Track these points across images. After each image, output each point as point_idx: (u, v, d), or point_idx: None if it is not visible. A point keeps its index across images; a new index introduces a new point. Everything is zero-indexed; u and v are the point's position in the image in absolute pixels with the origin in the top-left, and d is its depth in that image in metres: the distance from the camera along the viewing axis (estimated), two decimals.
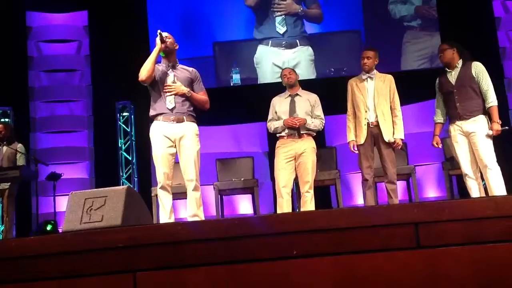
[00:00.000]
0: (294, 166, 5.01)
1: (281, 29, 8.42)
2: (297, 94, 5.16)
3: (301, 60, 8.33)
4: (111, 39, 8.39)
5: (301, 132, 5.01)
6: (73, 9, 8.90)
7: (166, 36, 4.36)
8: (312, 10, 8.53)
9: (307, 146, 5.00)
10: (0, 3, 8.19)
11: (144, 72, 4.28)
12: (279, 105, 5.15)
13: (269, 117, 5.20)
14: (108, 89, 8.30)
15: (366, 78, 5.11)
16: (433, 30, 8.30)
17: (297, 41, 8.42)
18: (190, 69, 4.52)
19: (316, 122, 5.07)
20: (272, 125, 5.14)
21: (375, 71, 5.12)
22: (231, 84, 8.40)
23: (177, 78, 4.37)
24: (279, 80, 8.28)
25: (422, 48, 8.30)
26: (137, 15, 8.59)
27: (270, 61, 8.39)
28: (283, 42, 8.40)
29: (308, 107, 5.09)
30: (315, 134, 5.14)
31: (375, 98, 5.02)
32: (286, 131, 5.03)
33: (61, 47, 8.98)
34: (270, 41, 8.42)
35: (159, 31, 4.32)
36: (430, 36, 8.28)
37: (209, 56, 8.43)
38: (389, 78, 5.13)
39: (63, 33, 8.96)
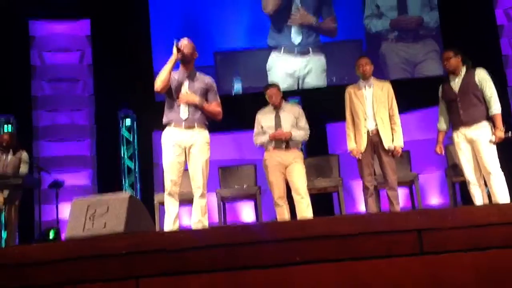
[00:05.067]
0: (285, 175, 5.09)
1: (297, 38, 8.49)
2: (281, 108, 5.23)
3: (312, 68, 8.40)
4: (113, 48, 8.41)
5: (287, 144, 5.09)
6: (76, 18, 8.92)
7: (185, 45, 4.35)
8: (326, 24, 8.58)
9: (294, 156, 5.10)
10: (3, 12, 8.23)
11: (159, 83, 4.29)
12: (264, 119, 5.23)
13: (255, 131, 5.29)
14: (111, 98, 8.32)
15: (364, 86, 5.10)
16: (410, 41, 8.38)
17: (310, 49, 8.46)
18: (207, 79, 4.49)
19: (301, 133, 5.16)
20: (258, 139, 5.23)
21: (372, 78, 5.12)
22: (233, 94, 8.43)
23: (192, 87, 4.36)
24: (290, 88, 8.33)
25: (402, 58, 8.37)
26: (140, 25, 8.61)
27: (282, 68, 8.45)
28: (296, 50, 8.45)
29: (293, 120, 5.17)
30: (301, 145, 5.23)
31: (374, 106, 5.01)
32: (273, 143, 5.11)
33: (64, 56, 9.00)
34: (282, 48, 8.48)
35: (175, 40, 4.32)
36: (406, 46, 8.35)
37: (210, 66, 8.46)
38: (387, 85, 5.12)
39: (65, 42, 8.98)
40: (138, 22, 8.64)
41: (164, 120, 4.39)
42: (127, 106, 8.37)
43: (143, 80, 7.68)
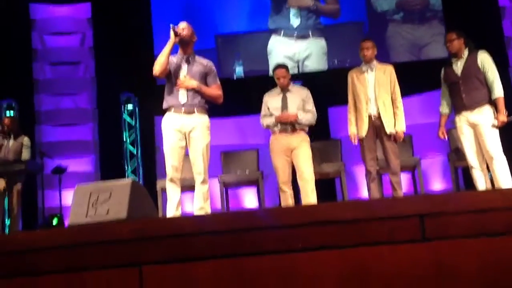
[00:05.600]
0: (291, 160, 5.04)
1: (295, 21, 8.40)
2: (288, 90, 5.18)
3: (312, 52, 8.32)
4: (114, 31, 8.37)
5: (293, 127, 5.04)
6: (77, 1, 8.88)
7: (183, 28, 4.32)
8: (328, 6, 8.50)
9: (301, 139, 5.06)
10: None
11: (157, 67, 4.28)
12: (271, 101, 5.19)
13: (262, 113, 5.25)
14: (112, 81, 8.29)
15: (367, 69, 5.07)
16: (416, 22, 8.30)
17: (310, 32, 8.39)
18: (205, 62, 4.47)
19: (308, 116, 5.10)
20: (265, 121, 5.20)
21: (375, 61, 5.09)
22: (234, 77, 8.40)
23: (190, 71, 4.35)
24: (291, 71, 8.28)
25: (407, 40, 8.31)
26: (140, 7, 8.56)
27: (281, 52, 8.37)
28: (295, 33, 8.38)
29: (300, 102, 5.12)
30: (307, 128, 5.17)
31: (375, 89, 4.99)
32: (279, 126, 5.07)
33: (65, 39, 8.96)
34: (282, 31, 8.41)
35: (171, 25, 4.29)
36: (412, 29, 8.27)
37: (211, 48, 8.41)
38: (390, 69, 5.09)
39: (66, 25, 8.94)
40: (139, 5, 8.59)
41: (164, 105, 4.38)
42: (129, 90, 8.35)
43: (144, 63, 7.62)
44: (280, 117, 5.05)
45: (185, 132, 4.30)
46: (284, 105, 5.11)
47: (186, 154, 4.40)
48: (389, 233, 2.04)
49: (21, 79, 8.44)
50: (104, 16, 8.62)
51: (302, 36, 8.39)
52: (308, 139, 5.14)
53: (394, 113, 4.99)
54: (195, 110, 4.31)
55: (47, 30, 8.90)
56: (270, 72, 8.27)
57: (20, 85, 8.40)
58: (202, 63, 4.43)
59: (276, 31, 8.44)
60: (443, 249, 2.00)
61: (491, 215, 2.02)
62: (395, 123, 4.97)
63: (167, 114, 4.36)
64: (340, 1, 8.52)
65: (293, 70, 8.34)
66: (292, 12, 8.42)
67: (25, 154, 6.31)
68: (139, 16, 8.46)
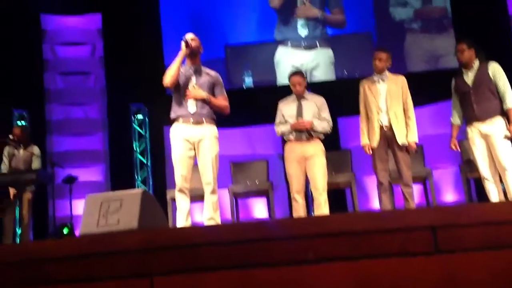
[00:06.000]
0: (305, 169, 5.00)
1: (303, 31, 8.44)
2: (303, 98, 5.13)
3: (320, 62, 8.34)
4: (124, 41, 8.44)
5: (309, 135, 5.00)
6: (87, 12, 8.97)
7: (192, 39, 4.36)
8: (334, 16, 8.54)
9: (316, 148, 5.00)
10: (15, 7, 8.27)
11: (168, 78, 4.30)
12: (286, 109, 5.14)
13: (277, 120, 5.20)
14: (122, 91, 8.35)
15: (378, 80, 5.05)
16: (434, 32, 8.30)
17: (317, 42, 8.42)
18: (213, 73, 4.51)
19: (323, 124, 5.05)
20: (280, 129, 5.15)
21: (387, 72, 5.06)
22: (243, 87, 8.41)
23: (198, 82, 4.38)
24: None
25: (424, 50, 8.28)
26: (150, 18, 8.63)
27: (289, 62, 8.40)
28: (303, 44, 8.40)
29: (315, 110, 5.07)
30: (323, 137, 5.12)
31: (387, 100, 4.96)
32: (294, 134, 5.03)
33: (76, 49, 9.05)
34: (289, 42, 8.43)
35: (184, 37, 4.33)
36: (430, 38, 8.26)
37: (220, 59, 8.46)
38: (402, 80, 5.07)
39: (77, 36, 9.03)
40: (149, 16, 8.66)
41: (172, 115, 4.40)
42: (139, 100, 8.39)
43: (154, 73, 7.67)
44: (295, 124, 4.99)
45: (194, 142, 4.31)
46: (299, 113, 5.05)
47: (195, 164, 4.41)
48: (401, 245, 2.02)
49: (32, 89, 8.51)
50: (114, 27, 8.69)
51: (310, 46, 8.43)
52: (323, 147, 5.07)
53: (406, 124, 4.96)
54: (204, 121, 4.33)
55: (58, 41, 8.99)
56: (278, 82, 8.34)
57: (31, 95, 8.47)
58: (209, 74, 4.47)
59: (283, 42, 8.49)
60: (455, 262, 1.98)
61: (504, 227, 1.99)
62: (407, 134, 4.94)
63: (175, 124, 4.38)
64: (348, 11, 8.55)
65: None
66: (300, 22, 8.46)
67: (36, 164, 6.36)
68: (149, 27, 8.52)
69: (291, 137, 5.05)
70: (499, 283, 1.93)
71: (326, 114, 5.10)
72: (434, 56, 8.25)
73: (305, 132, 4.99)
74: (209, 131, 4.34)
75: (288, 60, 8.41)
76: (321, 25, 8.49)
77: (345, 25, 8.52)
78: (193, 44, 4.35)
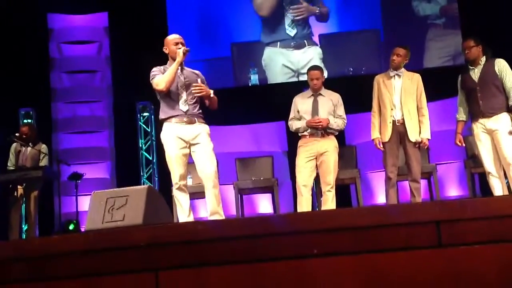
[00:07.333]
0: (316, 165, 4.98)
1: (291, 31, 8.44)
2: (320, 94, 5.09)
3: (312, 59, 8.32)
4: (131, 40, 8.45)
5: (324, 131, 4.97)
6: (93, 11, 8.99)
7: (182, 43, 4.41)
8: (323, 8, 8.55)
9: (330, 145, 4.97)
10: (22, 6, 8.31)
11: (166, 84, 4.29)
12: (302, 104, 5.10)
13: (291, 115, 5.16)
14: (128, 89, 8.36)
15: (394, 76, 5.04)
16: (457, 28, 8.24)
17: (305, 41, 8.43)
18: (197, 71, 4.55)
19: (339, 122, 5.03)
20: (294, 124, 5.11)
21: (403, 69, 5.06)
22: (250, 85, 8.42)
23: (188, 79, 4.39)
24: (291, 80, 8.31)
25: (445, 46, 8.26)
26: (157, 17, 8.63)
27: (279, 62, 8.41)
28: (292, 43, 8.42)
29: (331, 107, 5.03)
30: (337, 133, 5.11)
31: (402, 96, 4.96)
32: (309, 130, 4.99)
33: (82, 48, 9.08)
34: (278, 43, 8.44)
35: (184, 48, 4.35)
36: (453, 34, 8.22)
37: (227, 57, 8.47)
38: (417, 77, 5.06)
39: (83, 34, 9.05)
40: (155, 14, 8.66)
41: (162, 115, 4.40)
42: (145, 98, 8.41)
43: None
44: (312, 122, 4.95)
45: (188, 141, 4.31)
46: (315, 109, 5.02)
47: (189, 162, 4.42)
48: (406, 240, 2.03)
49: (39, 88, 8.55)
50: (121, 26, 8.71)
51: (299, 45, 8.43)
52: (337, 144, 5.05)
53: (420, 121, 4.96)
54: (196, 120, 4.34)
55: (65, 39, 9.02)
56: (277, 81, 8.34)
57: (37, 93, 8.51)
58: (195, 72, 4.52)
59: (270, 43, 8.48)
60: (459, 256, 1.98)
61: (508, 221, 1.99)
62: (420, 130, 4.94)
63: (167, 124, 4.35)
64: (355, 8, 8.53)
65: (292, 79, 8.36)
66: (287, 22, 8.47)
67: (43, 161, 6.40)
68: (155, 25, 8.52)
69: (306, 132, 5.02)
70: (503, 277, 1.93)
71: (341, 111, 5.08)
72: (453, 52, 8.15)
73: (320, 129, 4.96)
74: (202, 128, 4.35)
75: (279, 60, 8.40)
76: (307, 24, 8.49)
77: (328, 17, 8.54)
78: (185, 48, 4.39)
